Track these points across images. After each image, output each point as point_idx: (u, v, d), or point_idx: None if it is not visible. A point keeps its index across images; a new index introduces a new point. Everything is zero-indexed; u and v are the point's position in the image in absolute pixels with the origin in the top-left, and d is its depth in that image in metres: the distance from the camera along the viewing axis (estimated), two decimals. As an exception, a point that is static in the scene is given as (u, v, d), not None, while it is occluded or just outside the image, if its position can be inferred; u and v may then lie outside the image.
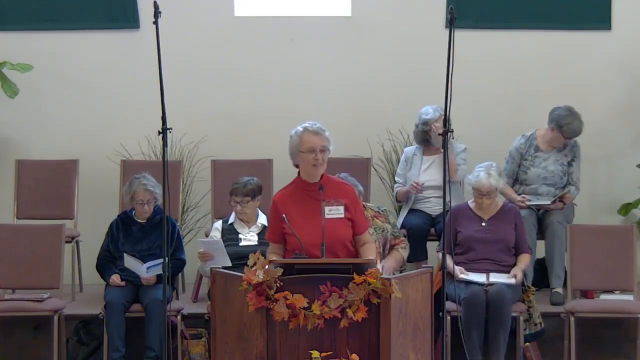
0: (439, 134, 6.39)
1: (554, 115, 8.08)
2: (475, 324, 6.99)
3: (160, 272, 6.30)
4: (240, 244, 7.37)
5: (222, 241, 7.28)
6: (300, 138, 5.85)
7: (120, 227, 7.56)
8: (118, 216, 7.69)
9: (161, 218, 7.28)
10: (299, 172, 5.93)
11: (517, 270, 7.20)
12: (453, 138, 7.91)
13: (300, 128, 5.89)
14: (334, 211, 5.87)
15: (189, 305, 7.78)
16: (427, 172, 8.11)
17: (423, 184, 8.01)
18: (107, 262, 7.51)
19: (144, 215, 7.55)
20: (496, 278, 7.13)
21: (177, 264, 7.48)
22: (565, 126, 8.04)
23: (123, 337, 7.17)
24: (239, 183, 7.45)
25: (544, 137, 8.20)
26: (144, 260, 7.29)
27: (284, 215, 5.83)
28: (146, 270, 7.23)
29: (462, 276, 7.08)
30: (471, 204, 7.46)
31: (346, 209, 5.89)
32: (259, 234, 7.43)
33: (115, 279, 7.34)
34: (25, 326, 7.74)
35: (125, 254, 7.31)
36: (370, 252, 5.93)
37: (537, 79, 8.94)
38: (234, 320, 5.63)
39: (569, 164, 8.19)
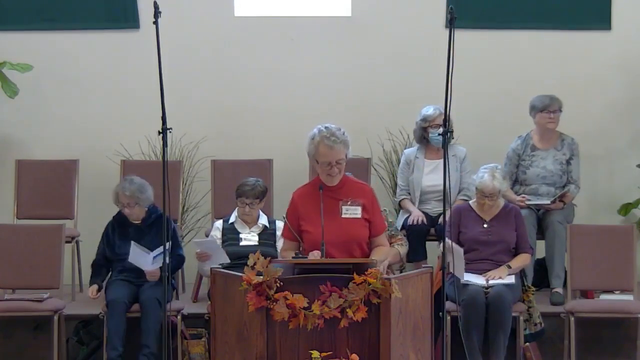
0: (439, 134, 6.39)
1: (529, 107, 8.19)
2: (474, 326, 6.99)
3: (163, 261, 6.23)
4: (241, 244, 7.37)
5: (215, 239, 7.28)
6: (317, 148, 5.87)
7: (115, 229, 7.52)
8: (113, 217, 7.62)
9: (156, 217, 7.29)
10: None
11: (504, 267, 7.18)
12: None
13: (317, 135, 5.88)
14: (351, 211, 5.92)
15: (189, 305, 7.77)
16: (430, 175, 8.10)
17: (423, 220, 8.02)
18: (100, 266, 7.48)
19: (131, 217, 7.48)
20: (495, 280, 7.12)
21: (177, 259, 7.45)
22: (540, 103, 8.13)
23: (122, 336, 7.14)
24: (248, 185, 7.41)
25: (537, 133, 8.23)
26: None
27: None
28: (152, 261, 7.17)
29: (462, 280, 7.08)
30: (473, 203, 7.46)
31: (364, 210, 5.93)
32: (259, 234, 7.43)
33: (93, 290, 7.33)
34: (25, 326, 7.73)
35: (132, 243, 7.22)
36: (377, 255, 5.93)
37: (537, 79, 8.94)
38: (234, 320, 5.63)
39: (568, 162, 8.20)
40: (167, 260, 6.09)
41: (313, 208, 5.89)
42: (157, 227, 7.31)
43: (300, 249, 5.96)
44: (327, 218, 5.84)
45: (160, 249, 7.01)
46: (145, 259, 7.21)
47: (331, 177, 5.90)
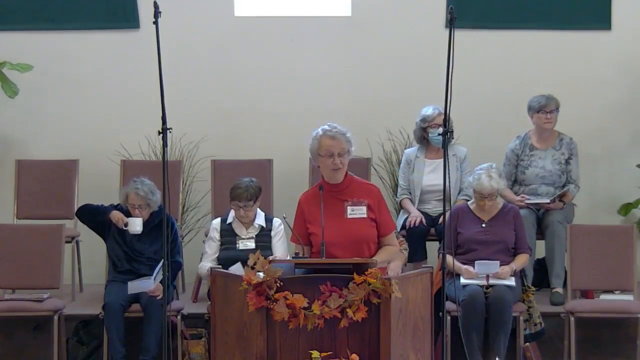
0: (439, 134, 6.40)
1: (527, 107, 8.20)
2: (474, 326, 6.99)
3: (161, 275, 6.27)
4: (238, 248, 7.33)
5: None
6: (319, 142, 5.88)
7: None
8: (126, 206, 7.50)
9: (159, 221, 7.26)
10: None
11: (507, 267, 7.18)
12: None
13: (320, 131, 5.92)
14: (357, 211, 5.92)
15: (189, 305, 7.77)
16: (430, 175, 8.10)
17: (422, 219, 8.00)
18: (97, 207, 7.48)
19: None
20: (495, 281, 7.13)
21: (173, 267, 7.36)
22: (536, 103, 8.14)
23: (123, 337, 7.14)
24: (240, 188, 7.32)
25: (535, 133, 8.24)
26: (140, 268, 7.27)
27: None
28: (153, 282, 7.10)
29: (462, 281, 7.08)
30: (471, 204, 7.46)
31: (370, 209, 5.92)
32: (257, 236, 7.38)
33: (119, 216, 7.34)
34: (25, 326, 7.73)
35: (129, 283, 7.17)
36: (381, 255, 5.92)
37: (537, 79, 8.93)
38: (234, 320, 5.64)
39: (567, 162, 8.21)
40: (168, 261, 6.09)
41: (318, 209, 5.87)
42: (158, 232, 7.27)
43: (310, 251, 5.96)
44: (332, 219, 5.84)
45: (158, 266, 6.98)
46: (145, 284, 7.15)
47: (335, 171, 5.88)
